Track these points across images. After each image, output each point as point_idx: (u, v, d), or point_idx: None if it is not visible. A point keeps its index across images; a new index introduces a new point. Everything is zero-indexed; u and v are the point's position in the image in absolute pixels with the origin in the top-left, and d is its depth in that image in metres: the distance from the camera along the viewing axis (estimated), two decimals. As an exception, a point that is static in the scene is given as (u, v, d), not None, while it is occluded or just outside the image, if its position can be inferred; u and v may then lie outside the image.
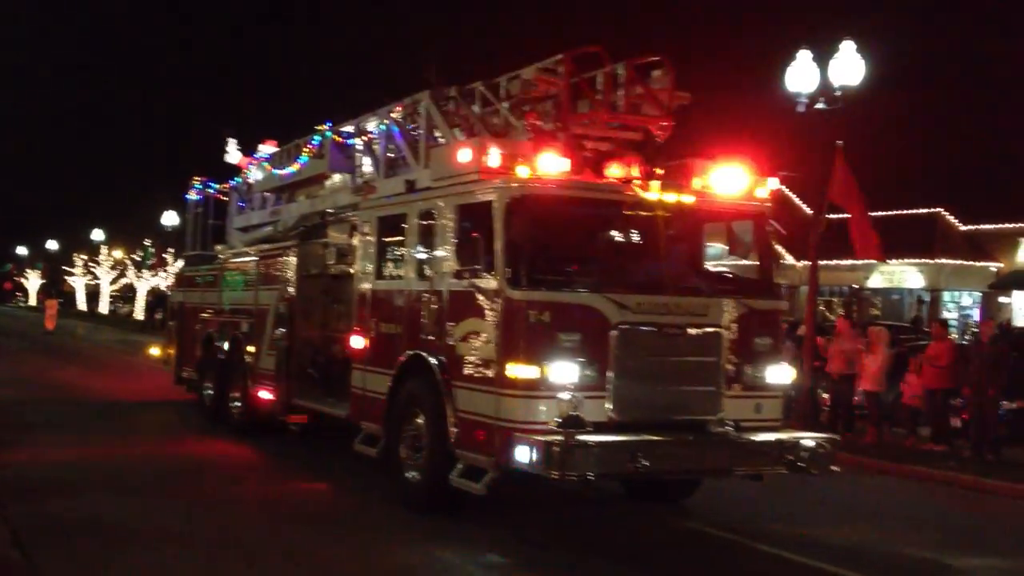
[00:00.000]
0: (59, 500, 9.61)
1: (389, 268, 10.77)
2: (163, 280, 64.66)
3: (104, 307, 73.25)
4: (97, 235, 73.94)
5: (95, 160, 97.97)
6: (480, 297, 8.73)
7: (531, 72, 9.86)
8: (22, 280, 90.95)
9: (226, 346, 14.91)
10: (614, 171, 9.08)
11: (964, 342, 19.98)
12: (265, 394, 13.44)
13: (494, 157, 8.79)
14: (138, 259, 68.19)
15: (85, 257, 75.69)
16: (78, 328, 49.04)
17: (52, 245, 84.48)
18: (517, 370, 8.33)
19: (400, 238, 10.45)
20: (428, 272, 9.76)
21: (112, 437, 13.94)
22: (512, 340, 8.44)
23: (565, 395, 8.08)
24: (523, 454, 8.11)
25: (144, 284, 66.54)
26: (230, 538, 8.61)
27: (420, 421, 9.62)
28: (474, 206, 9.06)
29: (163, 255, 64.74)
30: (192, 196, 17.97)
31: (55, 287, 74.72)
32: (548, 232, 8.81)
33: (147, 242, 67.36)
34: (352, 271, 12.12)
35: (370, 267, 10.98)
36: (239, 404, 14.35)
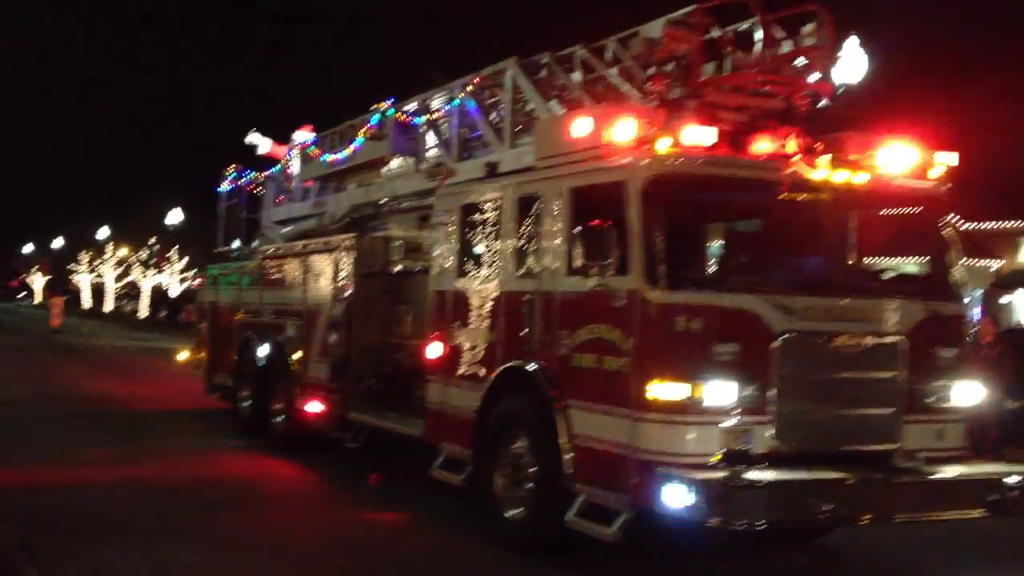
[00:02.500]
0: (88, 538, 8.10)
1: (475, 265, 9.21)
2: (167, 278, 63.46)
3: (109, 305, 71.94)
4: (102, 233, 72.69)
5: (101, 158, 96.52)
6: (607, 299, 7.18)
7: (657, 28, 8.28)
8: (27, 279, 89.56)
9: (266, 351, 13.36)
10: (762, 146, 7.53)
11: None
12: (315, 406, 11.89)
13: (624, 129, 7.24)
14: (143, 257, 66.93)
15: (90, 255, 74.50)
16: (84, 326, 47.78)
17: (58, 243, 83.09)
18: (662, 389, 6.78)
19: (490, 229, 8.89)
20: (531, 269, 8.22)
21: (142, 453, 12.38)
22: (654, 352, 6.89)
23: (730, 421, 6.54)
24: (672, 494, 6.56)
25: (148, 282, 65.26)
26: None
27: (521, 446, 8.08)
28: (596, 189, 7.51)
29: (167, 253, 63.52)
30: (224, 187, 16.39)
31: (60, 285, 73.32)
32: (695, 220, 7.29)
33: (152, 240, 66.05)
34: (423, 268, 10.59)
35: (450, 264, 9.42)
36: (282, 417, 12.80)
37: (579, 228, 7.35)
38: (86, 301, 76.52)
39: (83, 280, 76.78)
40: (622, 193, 7.16)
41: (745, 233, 7.71)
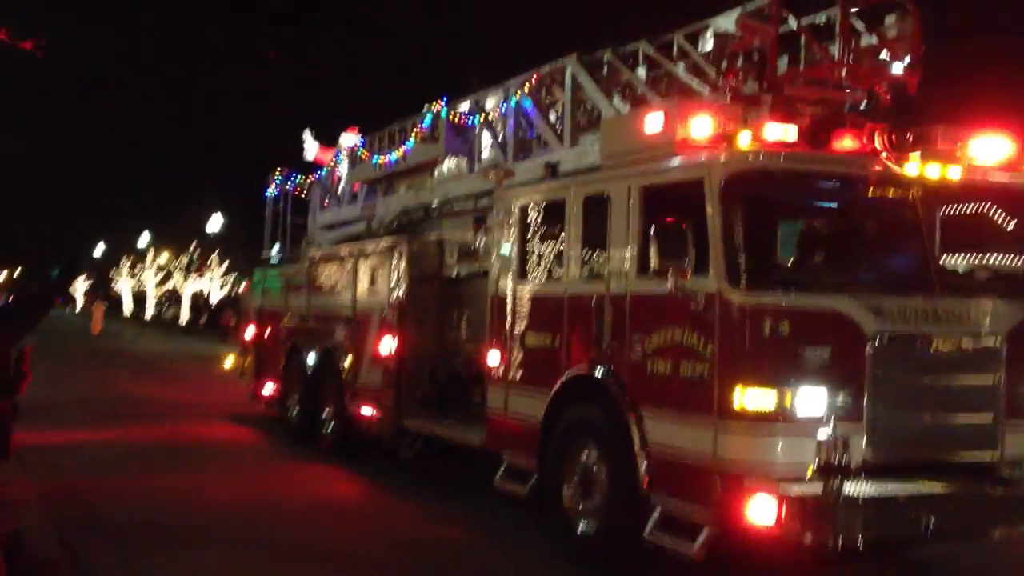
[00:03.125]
0: (132, 543, 7.87)
1: (537, 267, 8.87)
2: (207, 284, 63.73)
3: (150, 311, 72.46)
4: (143, 240, 73.19)
5: (143, 165, 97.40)
6: (684, 302, 6.80)
7: (728, 22, 7.90)
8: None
9: (315, 358, 13.10)
10: (846, 141, 7.14)
11: None
12: (367, 412, 11.61)
13: (701, 124, 6.88)
14: (183, 263, 67.29)
15: (131, 261, 75.09)
16: (125, 332, 48.07)
17: (99, 251, 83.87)
18: (748, 396, 6.40)
19: (554, 230, 8.55)
20: (599, 271, 7.87)
21: (186, 460, 12.18)
22: (739, 357, 6.51)
23: (824, 431, 6.14)
24: (762, 509, 6.19)
25: (189, 287, 65.59)
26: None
27: (591, 455, 7.74)
28: (671, 187, 7.16)
29: (207, 259, 63.78)
30: (271, 191, 16.18)
31: (101, 291, 73.92)
32: (778, 218, 6.92)
33: (192, 246, 66.37)
34: (478, 272, 10.29)
35: (510, 266, 9.07)
36: (332, 424, 12.54)
37: (653, 228, 6.98)
38: (127, 307, 77.11)
39: (124, 287, 77.36)
40: (700, 191, 6.79)
41: (831, 232, 7.29)
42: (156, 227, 71.18)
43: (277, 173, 15.96)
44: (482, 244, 10.41)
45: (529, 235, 8.91)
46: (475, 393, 10.09)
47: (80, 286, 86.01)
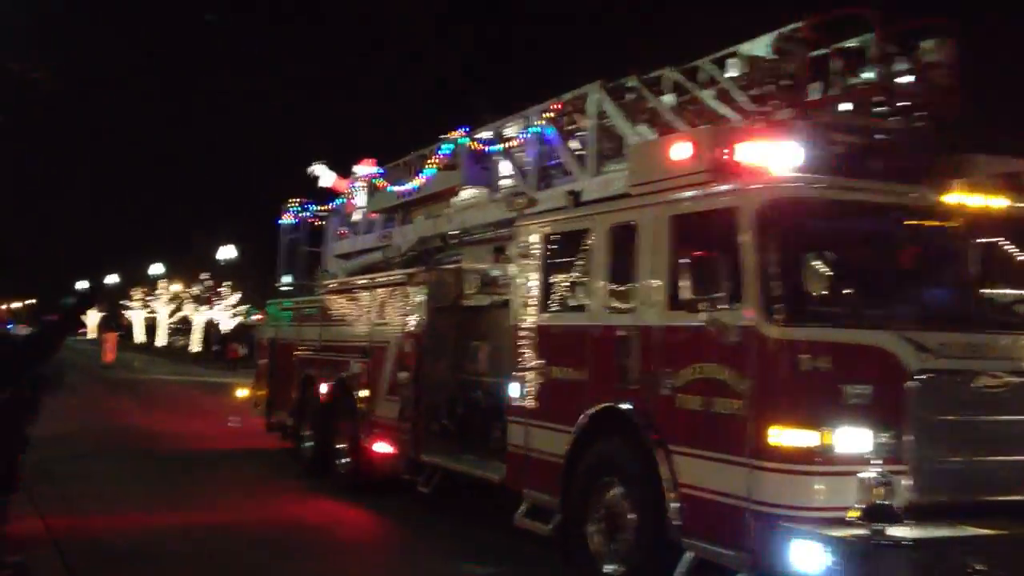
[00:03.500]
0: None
1: (561, 298, 8.64)
2: (219, 313, 63.62)
3: (161, 340, 72.37)
4: (156, 269, 73.24)
5: (154, 195, 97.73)
6: (718, 335, 6.54)
7: (760, 47, 7.69)
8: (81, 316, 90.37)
9: (330, 389, 12.86)
10: (882, 169, 6.92)
11: None
12: (382, 447, 11.35)
13: (734, 151, 6.66)
14: (195, 292, 67.26)
15: (144, 291, 75.13)
16: (136, 361, 47.98)
17: (112, 279, 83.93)
18: (785, 435, 6.12)
19: (579, 260, 8.32)
20: (626, 302, 7.63)
21: (199, 494, 11.92)
22: (776, 394, 6.25)
23: (867, 472, 5.86)
24: (802, 553, 5.89)
25: (200, 317, 65.54)
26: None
27: (618, 494, 7.46)
28: (703, 216, 6.92)
29: (219, 288, 63.71)
30: (286, 220, 16.01)
31: (114, 320, 73.88)
32: (815, 249, 6.66)
33: (204, 275, 66.35)
34: (498, 302, 10.05)
35: (533, 297, 8.84)
36: (348, 458, 12.27)
37: (685, 259, 6.74)
38: (139, 336, 77.05)
39: (136, 315, 77.35)
40: (734, 220, 6.56)
41: (870, 263, 7.02)
42: (168, 257, 71.29)
43: (292, 202, 15.79)
44: (502, 273, 10.18)
45: (552, 265, 8.69)
46: (495, 427, 9.81)
47: (92, 314, 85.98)
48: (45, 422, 8.31)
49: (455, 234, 11.98)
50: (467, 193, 11.72)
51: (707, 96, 8.46)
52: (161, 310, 71.74)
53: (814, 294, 6.58)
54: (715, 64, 8.56)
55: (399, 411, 11.01)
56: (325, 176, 15.28)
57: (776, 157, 6.61)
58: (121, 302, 78.14)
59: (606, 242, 7.91)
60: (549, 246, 8.75)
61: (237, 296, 62.73)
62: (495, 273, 10.43)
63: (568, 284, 8.54)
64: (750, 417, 6.32)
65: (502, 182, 11.19)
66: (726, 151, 6.65)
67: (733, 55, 8.01)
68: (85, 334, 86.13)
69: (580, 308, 8.22)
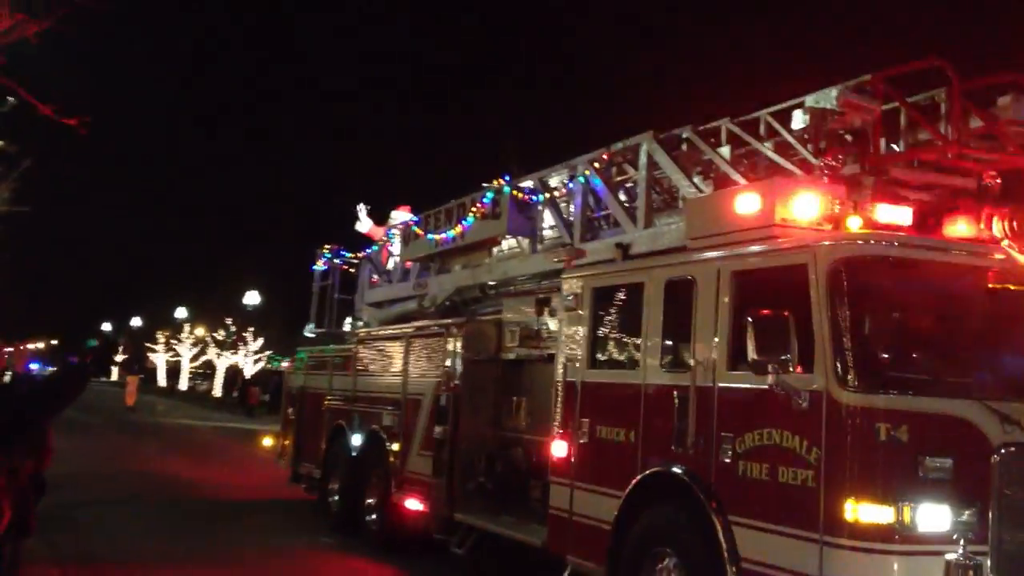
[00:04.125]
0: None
1: (611, 354, 8.27)
2: (242, 358, 63.53)
3: (183, 384, 72.34)
4: (180, 313, 73.41)
5: (181, 239, 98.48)
6: (785, 400, 6.16)
7: (827, 98, 7.37)
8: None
9: (360, 441, 12.48)
10: (960, 228, 6.56)
11: None
12: (414, 504, 10.92)
13: (806, 205, 6.33)
14: (219, 337, 67.31)
15: (168, 334, 75.23)
16: (158, 405, 47.78)
17: (136, 322, 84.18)
18: (860, 510, 5.70)
19: (631, 315, 7.96)
20: (682, 361, 7.25)
21: (219, 548, 11.48)
22: (849, 466, 5.83)
23: (948, 553, 5.43)
24: (880, 639, 5.44)
25: (223, 361, 65.50)
26: None
27: (670, 566, 7.01)
28: (769, 272, 6.56)
29: (243, 333, 63.69)
30: (319, 267, 15.73)
31: (137, 363, 73.95)
32: (890, 310, 6.27)
33: (228, 320, 66.42)
34: (540, 356, 9.69)
35: (580, 352, 8.48)
36: (377, 514, 11.85)
37: (748, 317, 6.37)
38: (161, 379, 77.05)
39: (159, 359, 77.41)
40: (803, 277, 6.20)
41: (947, 326, 6.63)
42: (193, 301, 71.48)
43: (325, 248, 15.52)
44: (546, 326, 9.83)
45: (602, 319, 8.34)
46: (535, 487, 9.41)
47: (116, 357, 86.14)
48: (66, 463, 8.06)
49: (494, 285, 11.67)
50: (509, 243, 11.43)
51: (767, 148, 8.14)
52: (184, 354, 71.78)
53: (889, 358, 6.16)
54: (774, 116, 8.24)
55: (433, 467, 10.61)
56: (363, 222, 15.04)
57: (853, 212, 6.28)
58: (146, 344, 78.28)
59: (661, 297, 7.56)
60: (598, 300, 8.41)
61: (260, 342, 62.70)
62: (537, 326, 10.07)
63: (618, 340, 8.18)
64: (822, 489, 5.91)
65: (545, 233, 10.90)
66: (796, 204, 6.31)
67: (799, 106, 7.68)
68: (108, 376, 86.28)
69: (631, 365, 7.86)
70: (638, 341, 7.79)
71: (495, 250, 11.65)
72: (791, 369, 6.08)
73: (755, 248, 6.67)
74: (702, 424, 6.91)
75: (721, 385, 6.81)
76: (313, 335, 15.70)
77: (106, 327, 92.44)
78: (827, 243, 6.17)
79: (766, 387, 6.25)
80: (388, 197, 15.88)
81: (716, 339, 6.90)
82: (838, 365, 5.92)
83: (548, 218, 10.90)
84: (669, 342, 7.47)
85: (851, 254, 6.09)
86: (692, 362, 7.08)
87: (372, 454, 12.13)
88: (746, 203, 6.77)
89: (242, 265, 62.47)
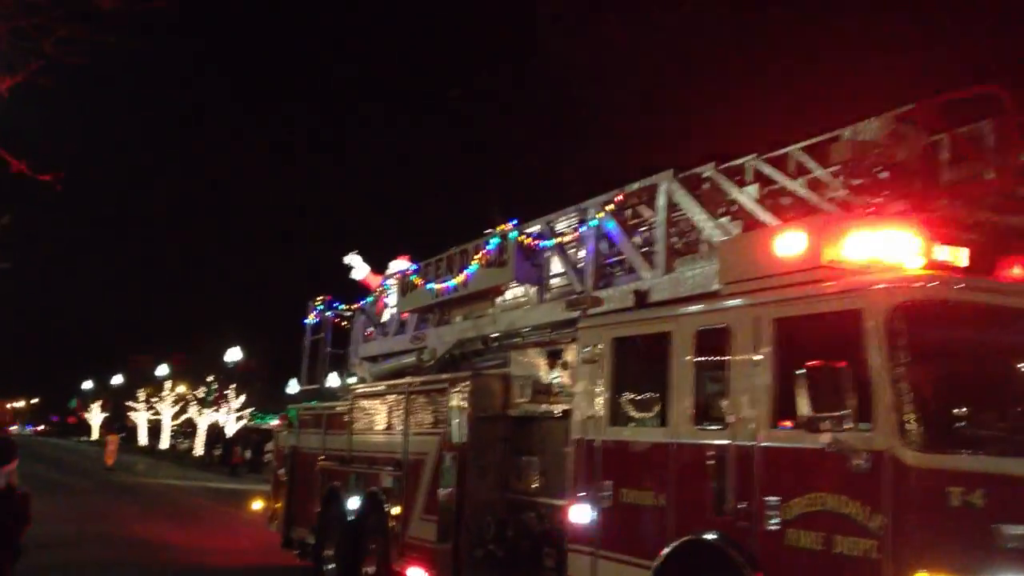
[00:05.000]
0: None
1: (635, 409, 7.67)
2: (223, 416, 62.44)
3: (165, 442, 71.00)
4: (162, 371, 72.36)
5: (161, 297, 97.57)
6: (839, 460, 5.58)
7: (869, 131, 6.87)
8: (85, 415, 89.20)
9: (357, 504, 11.76)
10: (1016, 269, 6.04)
11: None
12: (417, 572, 10.19)
13: (856, 245, 5.80)
14: (200, 395, 66.29)
15: (148, 392, 74.03)
16: (138, 464, 46.67)
17: (117, 380, 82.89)
18: (935, 585, 5.09)
19: (657, 368, 7.38)
20: (717, 417, 6.66)
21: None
22: (918, 534, 5.24)
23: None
24: None
25: (205, 420, 64.41)
26: None
27: (708, 645, 6.36)
28: (816, 319, 6.01)
29: (225, 391, 62.68)
30: (310, 320, 15.08)
31: (117, 422, 72.68)
32: (954, 359, 5.72)
33: (210, 378, 65.46)
34: (552, 412, 9.06)
35: (600, 408, 7.88)
36: (376, 583, 11.11)
37: (801, 369, 5.79)
38: (142, 438, 75.67)
39: (140, 417, 76.11)
40: (858, 324, 5.65)
41: (1019, 377, 6.09)
42: (174, 359, 70.49)
43: (318, 300, 14.90)
44: (558, 381, 9.22)
45: (624, 372, 7.76)
46: (549, 555, 8.73)
47: (96, 415, 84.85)
48: (43, 525, 7.50)
49: (497, 336, 11.09)
50: (515, 292, 10.88)
51: (798, 185, 7.64)
52: (166, 412, 70.58)
53: (958, 413, 5.60)
54: (805, 151, 7.76)
55: (437, 532, 9.91)
56: (359, 268, 14.45)
57: (903, 252, 5.75)
58: (126, 403, 77.02)
59: (691, 348, 6.99)
60: (619, 351, 7.83)
61: (241, 399, 61.75)
62: (548, 380, 9.46)
63: (643, 394, 7.59)
64: (885, 561, 5.32)
65: (552, 281, 10.35)
66: (847, 244, 5.78)
67: (834, 140, 7.20)
68: (89, 435, 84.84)
69: (658, 422, 7.26)
70: (666, 396, 7.19)
71: (499, 299, 11.09)
72: (848, 426, 5.50)
73: (800, 292, 6.12)
74: (743, 487, 6.31)
75: (764, 444, 6.21)
76: (304, 391, 15.01)
77: (87, 385, 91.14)
78: (884, 286, 5.63)
79: (817, 447, 5.67)
80: (380, 248, 15.37)
81: (756, 393, 6.32)
82: (903, 422, 5.34)
83: (556, 265, 10.38)
84: (701, 397, 6.88)
85: (912, 298, 5.55)
86: (730, 419, 6.49)
87: (371, 518, 11.41)
88: (789, 243, 6.24)
89: (224, 322, 61.84)
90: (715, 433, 6.62)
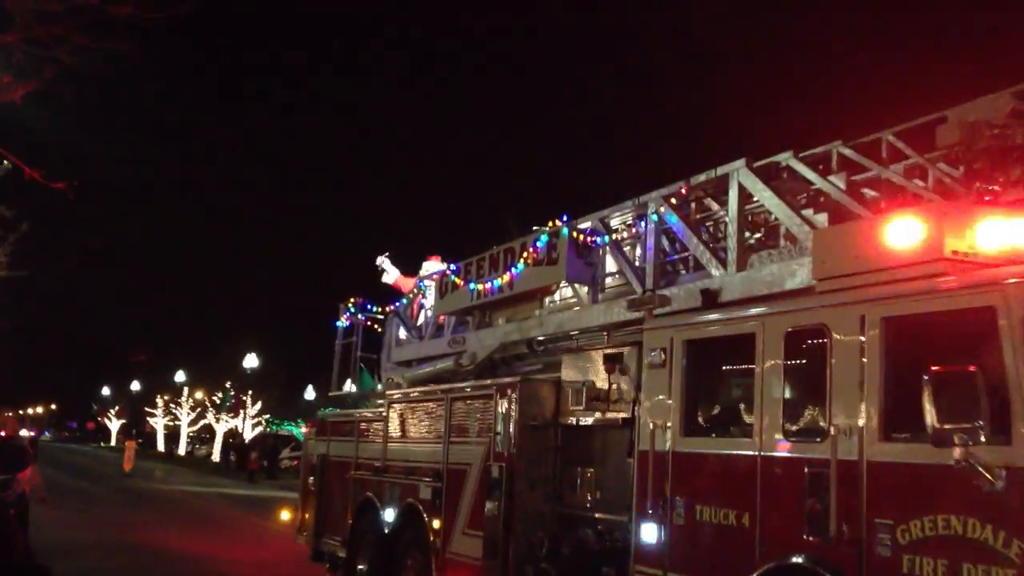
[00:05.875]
0: None
1: (711, 419, 7.00)
2: (241, 422, 62.02)
3: (182, 448, 70.69)
4: (179, 377, 72.10)
5: (182, 302, 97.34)
6: (970, 478, 4.88)
7: (981, 111, 6.17)
8: (104, 421, 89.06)
9: (393, 516, 11.09)
10: None
11: None
12: (460, 591, 9.53)
13: (989, 233, 5.11)
14: (218, 401, 65.98)
15: (167, 398, 73.78)
16: (156, 470, 46.27)
17: (135, 386, 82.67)
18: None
19: (739, 372, 6.71)
20: (815, 428, 5.98)
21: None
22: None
23: None
24: None
25: (222, 426, 64.06)
26: None
27: None
28: (936, 317, 5.32)
29: (242, 397, 62.28)
30: (342, 323, 14.42)
31: (135, 428, 72.44)
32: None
33: (228, 384, 65.12)
34: (614, 420, 8.38)
35: (670, 417, 7.20)
36: (414, 600, 10.43)
37: (907, 373, 5.11)
38: (160, 444, 75.39)
39: (158, 423, 75.85)
40: (991, 323, 4.96)
41: None
42: (192, 364, 70.22)
43: (350, 303, 14.24)
44: (617, 387, 8.53)
45: (698, 378, 7.09)
46: (607, 575, 8.05)
47: (115, 421, 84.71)
48: (59, 532, 6.98)
49: (543, 340, 10.43)
50: (565, 292, 10.23)
51: (893, 172, 6.96)
52: (183, 418, 70.29)
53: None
54: (898, 136, 7.08)
55: (484, 548, 9.22)
56: (390, 272, 13.82)
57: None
58: (144, 408, 76.84)
59: (780, 350, 6.30)
60: (693, 354, 7.15)
61: (258, 406, 61.32)
62: (605, 386, 8.76)
63: (721, 402, 6.92)
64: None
65: (607, 280, 9.70)
66: (979, 232, 5.10)
67: (940, 122, 6.51)
68: (108, 441, 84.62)
69: (742, 432, 6.58)
70: (750, 404, 6.51)
71: (547, 300, 10.43)
72: (983, 439, 4.81)
73: (917, 288, 5.43)
74: (846, 506, 5.62)
75: (873, 460, 5.52)
76: (335, 397, 14.37)
77: (105, 391, 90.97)
78: (1021, 280, 4.94)
79: (941, 462, 4.98)
80: (406, 249, 14.78)
81: (862, 402, 5.63)
82: (1049, 434, 4.65)
83: (609, 263, 9.73)
84: (793, 405, 6.20)
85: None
86: (830, 429, 5.80)
87: (408, 532, 10.75)
88: (903, 233, 5.55)
89: (242, 328, 61.48)
90: (812, 446, 5.93)
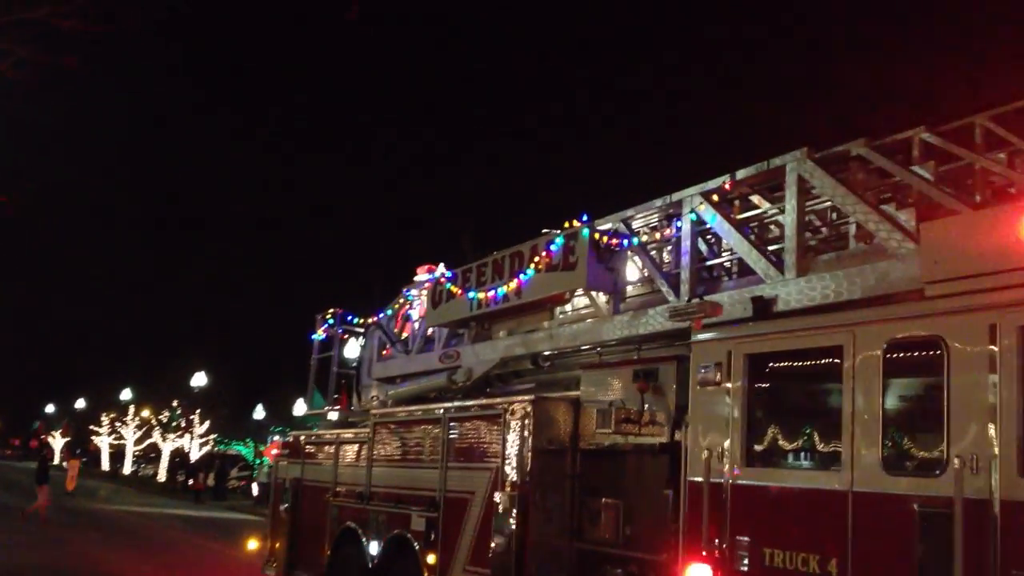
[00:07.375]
0: None
1: (781, 445, 5.99)
2: (188, 441, 60.13)
3: (127, 467, 68.44)
4: (126, 395, 69.90)
5: (128, 320, 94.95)
6: None
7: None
8: (48, 439, 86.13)
9: (379, 548, 9.95)
10: None
11: None
12: (460, 637, 8.41)
13: None
14: (164, 420, 64.08)
15: (112, 416, 71.45)
16: (101, 489, 44.35)
17: (80, 404, 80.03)
18: None
19: (814, 392, 5.74)
20: (926, 458, 5.01)
21: None
22: None
23: None
24: None
25: (168, 445, 62.14)
26: None
27: None
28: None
29: (191, 416, 60.41)
30: (318, 335, 13.23)
31: (80, 446, 69.96)
32: None
33: (175, 403, 63.25)
34: (651, 444, 7.37)
35: (727, 442, 6.20)
36: (403, 646, 9.28)
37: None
38: (105, 463, 72.94)
39: (103, 442, 73.42)
40: None
41: None
42: (139, 382, 68.24)
43: (328, 314, 13.07)
44: (649, 407, 7.52)
45: (763, 397, 6.10)
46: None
47: (58, 439, 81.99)
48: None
49: (550, 355, 9.42)
50: (571, 304, 9.23)
51: (992, 162, 6.05)
52: (129, 436, 68.14)
53: None
54: (995, 120, 6.17)
55: (489, 588, 8.14)
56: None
57: None
58: (89, 427, 74.38)
59: (879, 365, 5.33)
60: (755, 370, 6.16)
61: (206, 425, 59.55)
62: (634, 406, 7.73)
63: (794, 426, 5.92)
64: None
65: (630, 288, 8.71)
66: None
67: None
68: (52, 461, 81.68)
69: (825, 463, 5.59)
70: (837, 429, 5.53)
71: (559, 311, 9.41)
72: None
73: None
74: (976, 555, 4.64)
75: (1010, 499, 4.55)
76: (312, 416, 13.18)
77: (49, 408, 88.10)
78: None
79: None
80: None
81: (994, 427, 4.67)
82: None
83: (632, 270, 8.74)
84: (896, 431, 5.22)
85: None
86: (951, 461, 4.82)
87: (396, 567, 9.61)
88: (1047, 226, 4.61)
89: (191, 345, 59.87)
90: (923, 481, 4.97)
